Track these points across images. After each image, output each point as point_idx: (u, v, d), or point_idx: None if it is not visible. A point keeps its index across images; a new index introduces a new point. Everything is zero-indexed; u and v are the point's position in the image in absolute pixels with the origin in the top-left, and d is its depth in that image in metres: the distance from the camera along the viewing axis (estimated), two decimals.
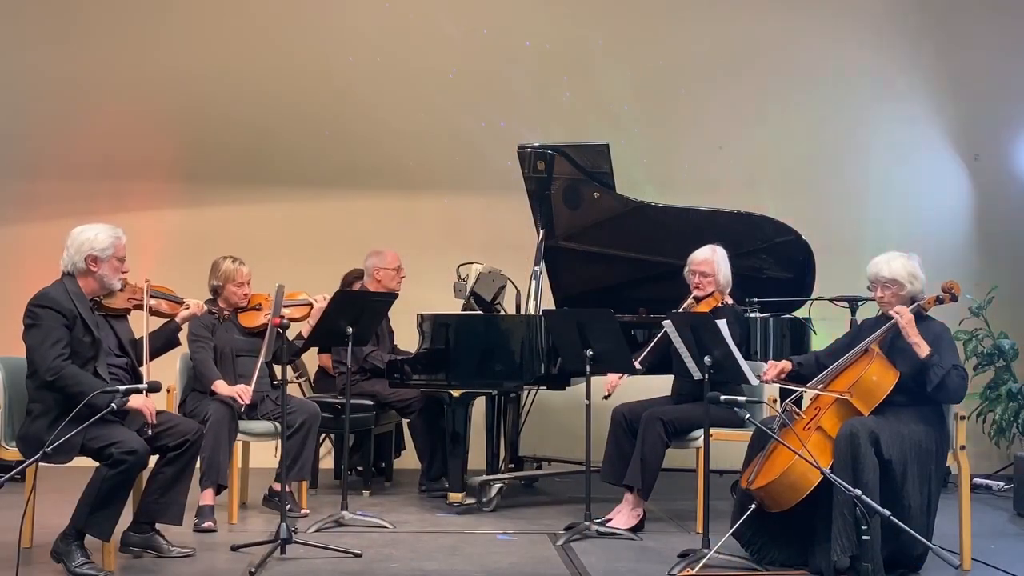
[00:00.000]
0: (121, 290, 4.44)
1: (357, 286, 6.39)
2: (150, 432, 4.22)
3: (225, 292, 5.47)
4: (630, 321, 5.81)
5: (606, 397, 5.23)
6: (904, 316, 4.24)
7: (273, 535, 4.49)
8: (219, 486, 5.09)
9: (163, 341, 4.64)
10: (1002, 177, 7.59)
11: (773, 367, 4.57)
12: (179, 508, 4.42)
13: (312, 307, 5.39)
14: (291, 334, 5.21)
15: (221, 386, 5.22)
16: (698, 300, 5.21)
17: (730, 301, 5.26)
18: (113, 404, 3.79)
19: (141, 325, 4.53)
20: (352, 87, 7.39)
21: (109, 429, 4.08)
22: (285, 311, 4.95)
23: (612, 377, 5.25)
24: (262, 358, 5.08)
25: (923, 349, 4.19)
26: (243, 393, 5.16)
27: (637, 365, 5.20)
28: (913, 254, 4.46)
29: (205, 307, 4.82)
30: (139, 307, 4.51)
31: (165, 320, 4.67)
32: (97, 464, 4.13)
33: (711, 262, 5.19)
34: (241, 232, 7.06)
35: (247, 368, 5.34)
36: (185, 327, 4.91)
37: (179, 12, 7.31)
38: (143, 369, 4.50)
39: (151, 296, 4.53)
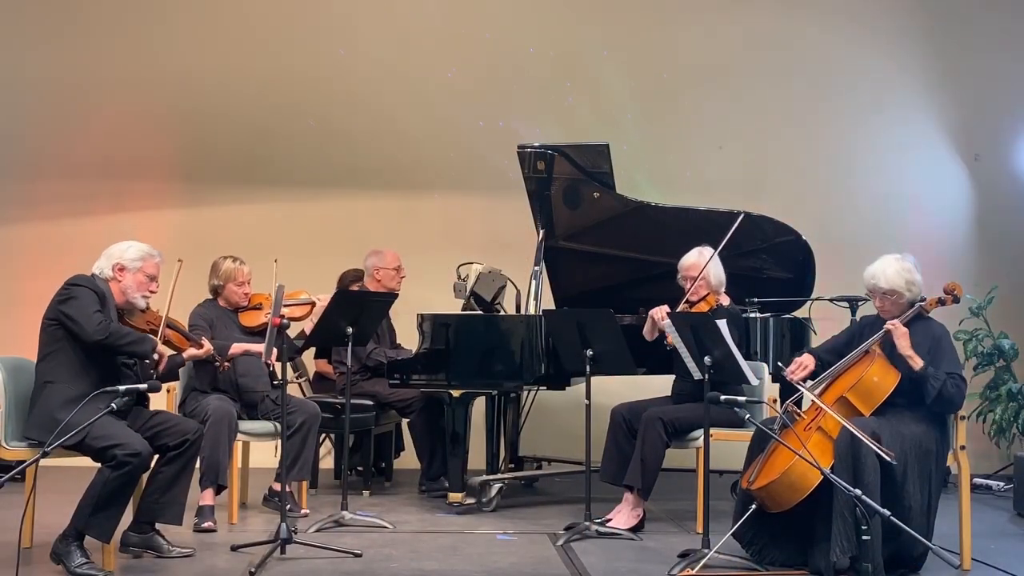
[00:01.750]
0: (143, 311, 4.51)
1: (355, 286, 6.38)
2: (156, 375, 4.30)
3: (226, 292, 5.48)
4: (630, 321, 5.81)
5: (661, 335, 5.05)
6: (897, 330, 4.23)
7: (273, 535, 4.49)
8: (219, 486, 5.09)
9: (167, 369, 4.65)
10: (1002, 177, 7.60)
11: (799, 366, 4.41)
12: (179, 508, 4.42)
13: (314, 306, 5.39)
14: (293, 332, 5.22)
15: (239, 346, 5.25)
16: (692, 304, 5.11)
17: (726, 301, 5.20)
18: (113, 404, 3.79)
19: None
20: (353, 88, 7.39)
21: (112, 429, 4.09)
22: (286, 310, 4.96)
23: (659, 309, 5.06)
24: (263, 359, 5.07)
25: (917, 362, 4.17)
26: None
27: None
28: (907, 254, 4.42)
29: (212, 350, 4.86)
30: (154, 332, 4.56)
31: (172, 353, 4.70)
32: (99, 465, 4.12)
33: (699, 266, 5.13)
34: (241, 232, 7.06)
35: (247, 367, 5.35)
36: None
37: (179, 12, 7.31)
38: None
39: (166, 326, 4.60)
